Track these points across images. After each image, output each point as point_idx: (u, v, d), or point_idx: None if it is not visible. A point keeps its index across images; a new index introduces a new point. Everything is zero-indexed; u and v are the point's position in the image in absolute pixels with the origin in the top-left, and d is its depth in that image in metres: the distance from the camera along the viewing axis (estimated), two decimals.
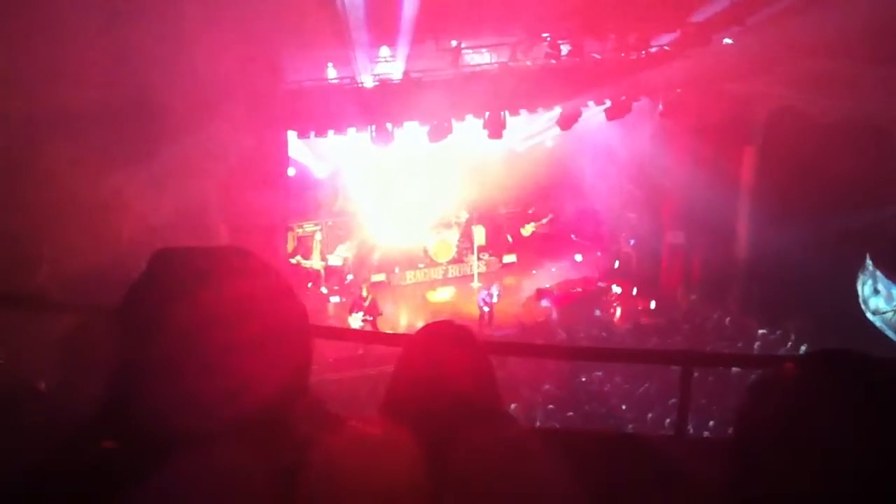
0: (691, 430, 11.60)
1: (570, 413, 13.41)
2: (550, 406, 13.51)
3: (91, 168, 10.93)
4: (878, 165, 16.09)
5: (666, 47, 16.55)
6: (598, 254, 21.64)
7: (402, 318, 18.99)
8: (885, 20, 13.19)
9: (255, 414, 1.53)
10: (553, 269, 20.89)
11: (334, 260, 19.90)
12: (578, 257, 21.55)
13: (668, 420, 12.29)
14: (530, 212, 22.15)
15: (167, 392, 1.50)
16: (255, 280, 1.59)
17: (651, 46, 16.59)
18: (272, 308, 1.59)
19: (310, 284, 19.43)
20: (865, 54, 14.09)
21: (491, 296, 18.47)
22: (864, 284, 16.33)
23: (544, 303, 19.04)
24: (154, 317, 1.52)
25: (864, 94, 14.63)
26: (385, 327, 17.55)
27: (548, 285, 19.91)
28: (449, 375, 2.24)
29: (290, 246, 18.94)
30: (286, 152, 15.79)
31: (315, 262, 19.64)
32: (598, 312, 19.13)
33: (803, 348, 15.44)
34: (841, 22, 13.39)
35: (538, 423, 12.80)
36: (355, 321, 17.22)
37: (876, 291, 15.86)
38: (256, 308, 1.55)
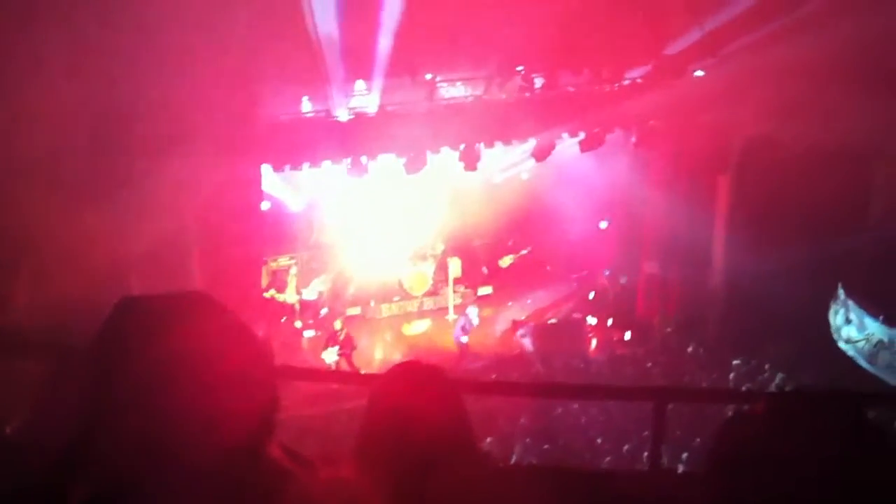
0: (666, 462, 11.60)
1: (547, 446, 13.36)
2: (527, 440, 13.46)
3: (66, 200, 10.85)
4: (851, 193, 16.31)
5: (639, 79, 16.76)
6: (574, 285, 21.71)
7: (378, 352, 18.90)
8: (857, 49, 13.43)
9: (222, 454, 1.53)
10: (528, 301, 20.92)
11: (309, 294, 19.77)
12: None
13: (645, 452, 12.27)
14: (510, 244, 22.19)
15: (132, 434, 1.50)
16: (216, 324, 1.62)
17: (624, 79, 16.79)
18: (233, 350, 1.60)
19: (284, 319, 19.30)
20: (838, 82, 14.31)
21: (469, 321, 18.38)
22: (836, 314, 16.48)
23: (524, 340, 18.96)
24: (119, 361, 1.53)
25: (837, 121, 14.84)
26: (360, 361, 17.46)
27: (523, 317, 19.93)
28: (419, 417, 2.23)
29: (265, 280, 18.83)
30: (260, 186, 15.74)
31: (289, 297, 19.50)
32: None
33: (779, 378, 15.52)
34: (813, 51, 13.60)
35: (514, 458, 12.76)
36: (330, 356, 17.09)
37: (848, 320, 16.00)
38: (218, 350, 1.57)
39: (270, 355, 1.73)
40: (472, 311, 18.58)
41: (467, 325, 18.30)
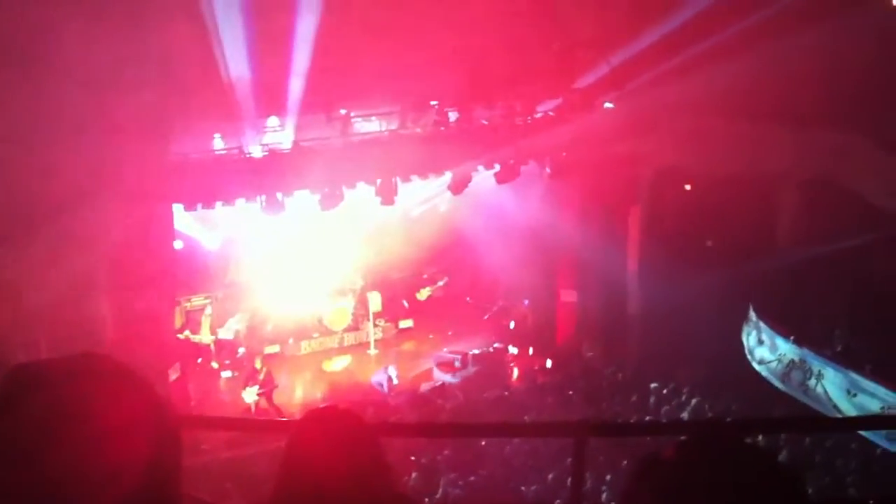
0: (588, 486, 11.68)
1: (472, 478, 13.31)
2: (452, 473, 13.39)
3: None
4: (758, 219, 16.84)
5: (550, 112, 17.06)
6: (494, 315, 21.78)
7: (298, 390, 18.63)
8: (759, 81, 13.92)
9: None
10: (449, 333, 20.94)
11: (225, 333, 19.32)
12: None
13: (569, 478, 12.27)
14: (425, 276, 22.20)
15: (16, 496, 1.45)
16: (105, 382, 1.58)
17: (536, 112, 17.07)
18: (123, 406, 1.57)
19: (199, 360, 18.86)
20: (742, 113, 14.79)
21: (390, 379, 18.22)
22: (748, 335, 16.88)
23: (445, 373, 18.93)
24: (9, 430, 1.49)
25: (742, 151, 15.32)
26: (281, 399, 17.17)
27: (445, 350, 19.91)
28: (335, 466, 2.18)
29: (179, 321, 18.35)
30: (172, 225, 15.36)
31: (204, 337, 19.05)
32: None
33: (694, 402, 15.80)
34: (717, 83, 14.05)
35: (440, 491, 12.68)
36: (250, 395, 16.73)
37: (760, 342, 16.41)
38: (106, 407, 1.54)
39: (169, 408, 1.69)
40: (392, 371, 18.40)
41: (388, 384, 18.08)
